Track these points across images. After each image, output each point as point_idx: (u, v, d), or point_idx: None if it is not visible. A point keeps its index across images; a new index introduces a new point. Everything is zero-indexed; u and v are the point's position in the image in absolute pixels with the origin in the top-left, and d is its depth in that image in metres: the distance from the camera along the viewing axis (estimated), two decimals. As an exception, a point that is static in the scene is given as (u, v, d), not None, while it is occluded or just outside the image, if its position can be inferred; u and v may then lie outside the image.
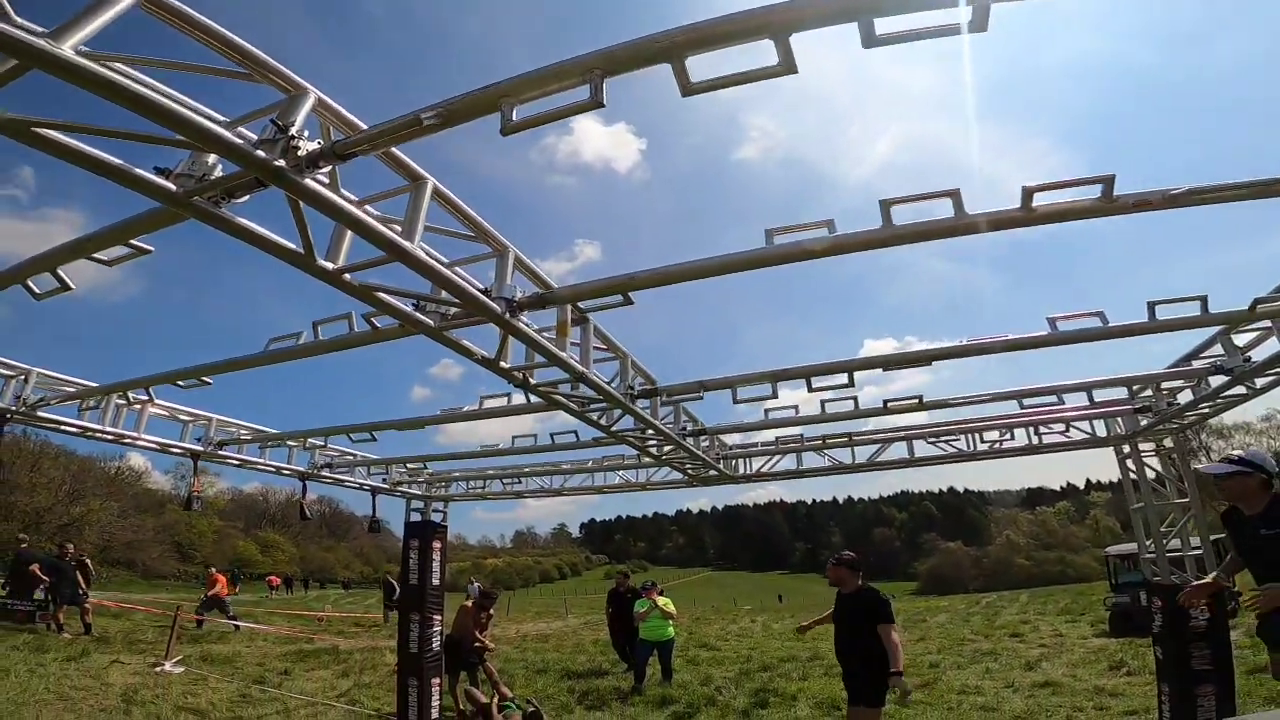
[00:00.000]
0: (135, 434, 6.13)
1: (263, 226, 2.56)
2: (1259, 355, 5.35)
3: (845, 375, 4.81)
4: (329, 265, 2.70)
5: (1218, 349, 5.73)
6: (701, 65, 1.88)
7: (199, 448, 6.58)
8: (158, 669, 9.79)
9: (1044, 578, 63.77)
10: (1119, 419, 7.56)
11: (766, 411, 5.97)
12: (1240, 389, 5.98)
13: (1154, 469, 7.59)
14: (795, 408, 5.87)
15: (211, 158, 2.27)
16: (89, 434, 5.94)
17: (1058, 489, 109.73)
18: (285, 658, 12.15)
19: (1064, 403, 6.46)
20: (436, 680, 8.00)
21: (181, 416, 6.59)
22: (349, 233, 2.83)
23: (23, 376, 5.37)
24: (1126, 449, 7.69)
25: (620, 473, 8.28)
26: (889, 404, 5.87)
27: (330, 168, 2.27)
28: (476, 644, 8.75)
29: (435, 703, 7.92)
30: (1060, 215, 3.03)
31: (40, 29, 1.75)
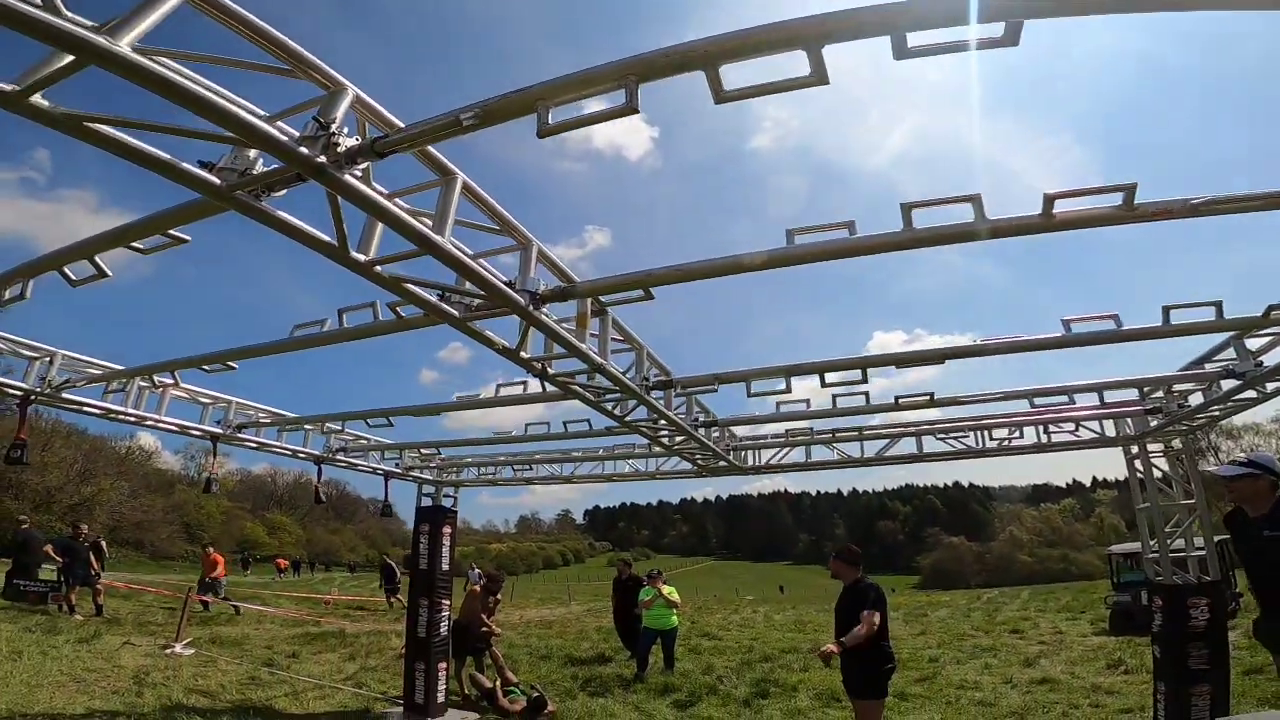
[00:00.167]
0: (157, 416, 6.22)
1: (292, 217, 2.63)
2: (1270, 360, 5.36)
3: (859, 371, 4.86)
4: (361, 257, 2.77)
5: (1229, 353, 5.73)
6: (734, 74, 1.93)
7: (218, 430, 6.68)
8: (168, 651, 10.03)
9: (1046, 575, 63.89)
10: (1128, 419, 7.57)
11: (778, 404, 6.02)
12: (1251, 393, 5.99)
13: (1161, 469, 7.61)
14: (807, 401, 5.92)
15: (253, 152, 2.33)
16: (112, 415, 6.03)
17: (1063, 486, 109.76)
18: (293, 640, 12.37)
19: (1075, 402, 6.49)
20: (443, 664, 8.16)
21: (202, 399, 6.69)
22: (379, 226, 2.90)
23: (48, 358, 5.47)
24: (1135, 449, 7.71)
25: (630, 462, 8.35)
26: (900, 400, 5.92)
27: (367, 164, 2.33)
28: (483, 629, 8.88)
29: (441, 687, 8.08)
30: (1080, 223, 3.06)
31: (91, 23, 1.81)
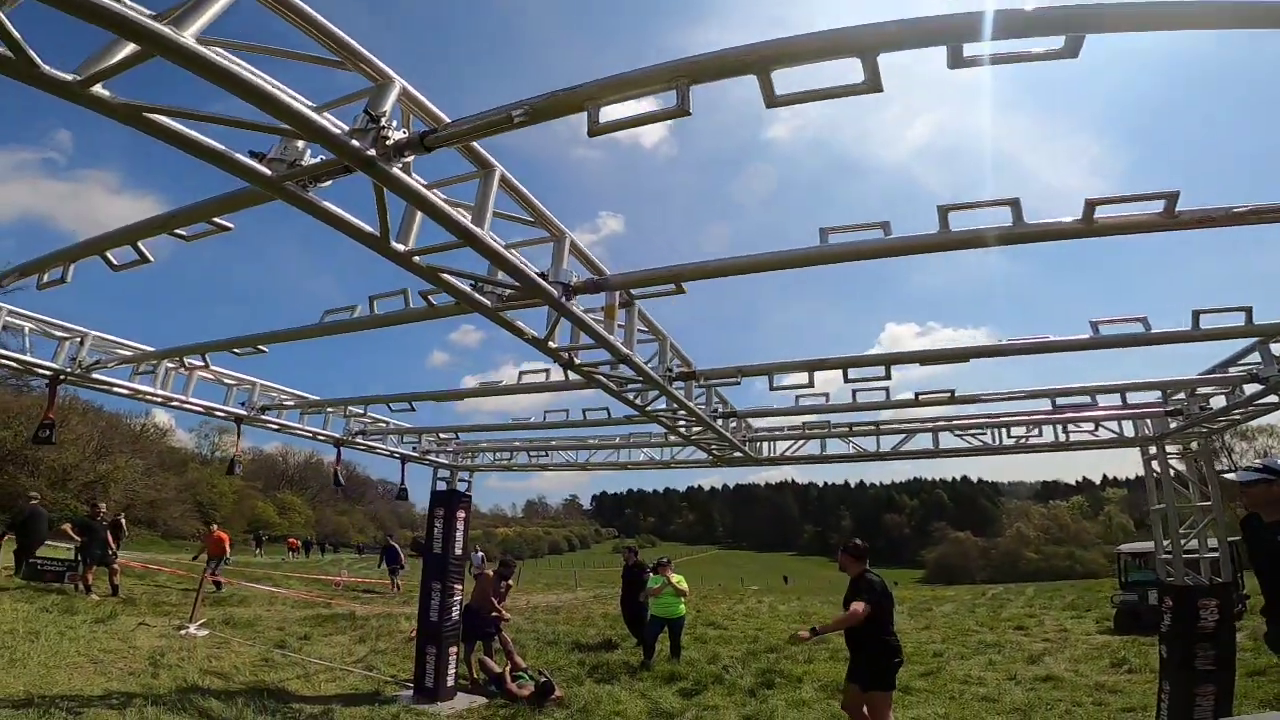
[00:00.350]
0: (183, 397, 6.32)
1: (336, 208, 2.67)
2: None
3: (882, 368, 4.87)
4: (400, 248, 2.81)
5: (1254, 357, 5.69)
6: (785, 78, 1.93)
7: (243, 412, 6.77)
8: (183, 632, 10.20)
9: (1051, 572, 63.65)
10: (1148, 421, 7.54)
11: (797, 397, 6.04)
12: (1273, 397, 5.95)
13: (1177, 470, 7.59)
14: (826, 395, 5.93)
15: (301, 143, 2.36)
16: (139, 396, 6.12)
17: (1073, 483, 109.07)
18: (304, 622, 12.54)
19: (1097, 403, 6.48)
20: (454, 649, 8.27)
21: (226, 381, 6.78)
22: (418, 217, 2.93)
23: (79, 339, 5.55)
24: (1153, 450, 7.68)
25: (645, 450, 8.41)
26: (921, 396, 5.92)
27: (412, 157, 2.36)
28: (494, 614, 8.98)
29: (451, 671, 8.19)
30: (1121, 228, 3.05)
31: (152, 13, 1.84)
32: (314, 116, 2.03)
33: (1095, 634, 12.86)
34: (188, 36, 1.77)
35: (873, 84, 1.85)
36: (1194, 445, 7.60)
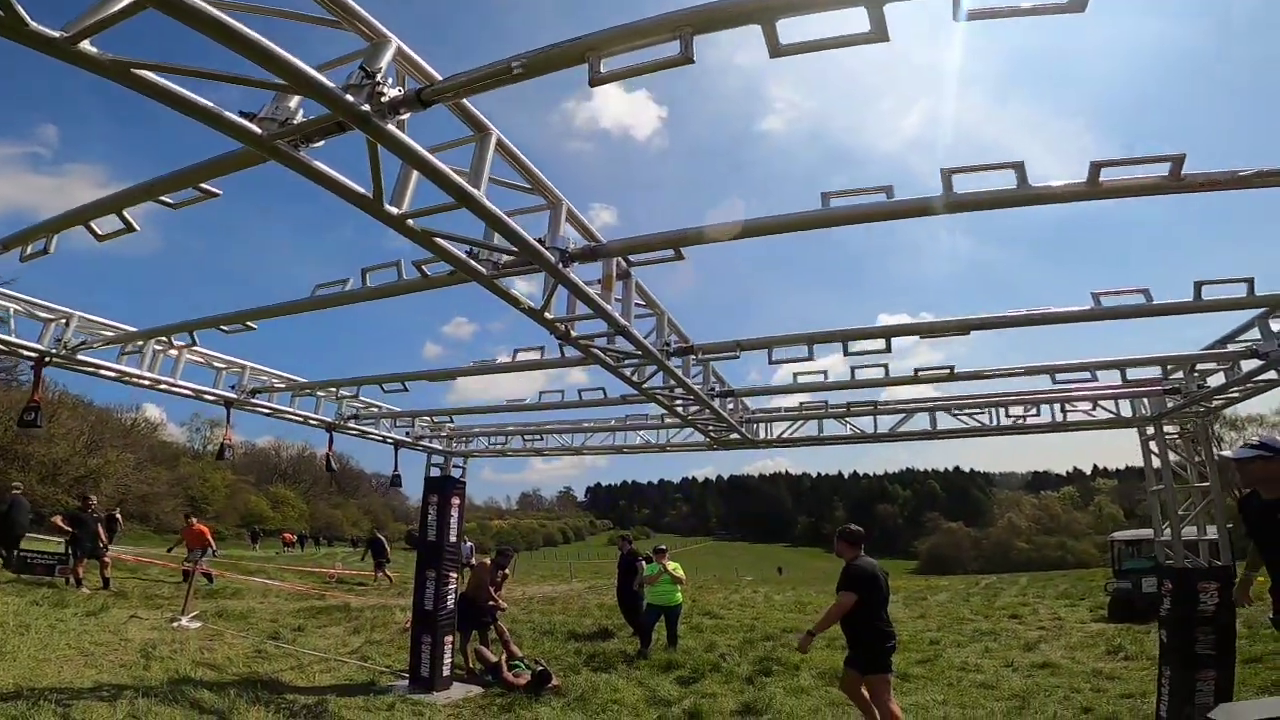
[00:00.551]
0: (171, 379, 6.20)
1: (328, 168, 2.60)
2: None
3: (883, 340, 4.83)
4: (394, 210, 2.74)
5: (1254, 333, 5.67)
6: (789, 29, 1.88)
7: (232, 395, 6.68)
8: (175, 624, 10.14)
9: (1042, 562, 64.24)
10: (1145, 401, 7.53)
11: (795, 375, 6.00)
12: (1273, 374, 5.93)
13: (1176, 452, 7.58)
14: (824, 372, 5.89)
15: (294, 102, 2.30)
16: (126, 379, 6.00)
17: (1064, 474, 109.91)
18: (298, 614, 12.51)
19: (1097, 378, 6.45)
20: (449, 638, 8.21)
21: (216, 364, 6.68)
22: (412, 180, 2.86)
23: (64, 320, 5.44)
24: (1150, 430, 7.67)
25: (641, 433, 8.35)
26: (920, 372, 5.88)
27: (407, 115, 2.29)
28: (490, 603, 8.94)
29: (447, 660, 8.14)
30: (1126, 191, 3.00)
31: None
32: (309, 70, 1.98)
33: (1090, 622, 12.95)
34: None
35: (879, 33, 1.80)
36: (1190, 426, 7.61)
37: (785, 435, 8.04)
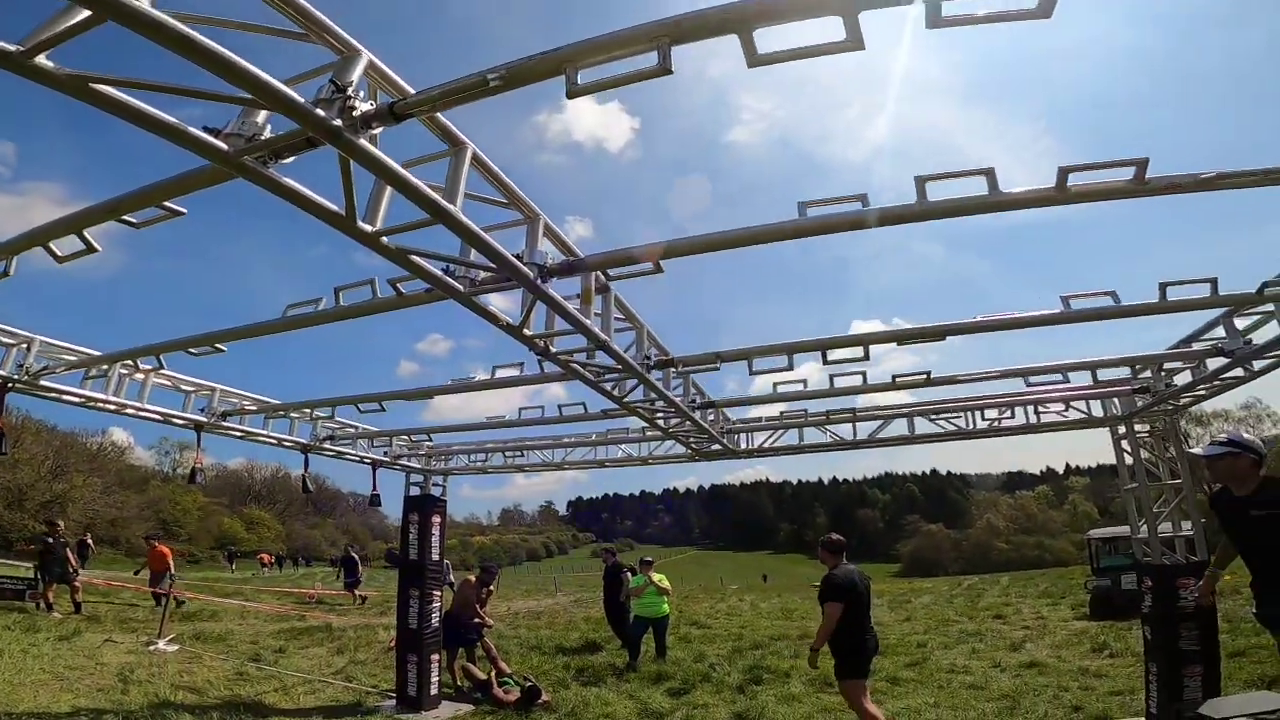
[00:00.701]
0: (138, 404, 6.06)
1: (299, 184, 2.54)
2: (1260, 338, 5.43)
3: (861, 348, 4.86)
4: (368, 228, 2.68)
5: (1218, 332, 5.81)
6: (766, 38, 1.88)
7: (202, 419, 6.52)
8: (151, 648, 9.89)
9: (1022, 561, 64.90)
10: (1115, 400, 7.67)
11: (775, 385, 6.01)
12: (1239, 371, 6.07)
13: (1148, 450, 7.72)
14: (804, 381, 5.92)
15: (261, 117, 2.25)
16: (91, 404, 5.86)
17: (1037, 473, 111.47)
18: (279, 635, 12.24)
19: (1069, 380, 6.56)
20: (436, 656, 8.09)
21: (184, 387, 6.53)
22: (385, 196, 2.81)
23: (25, 345, 5.28)
24: (1122, 429, 7.82)
25: (623, 447, 8.31)
26: (897, 379, 5.93)
27: (380, 129, 2.26)
28: (476, 620, 8.83)
29: (434, 679, 8.00)
30: (1093, 195, 3.07)
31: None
32: (276, 84, 1.92)
33: (1072, 620, 13.09)
34: (144, 2, 1.66)
35: (855, 41, 1.82)
36: (1159, 424, 7.76)
37: (766, 445, 8.06)
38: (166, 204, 2.92)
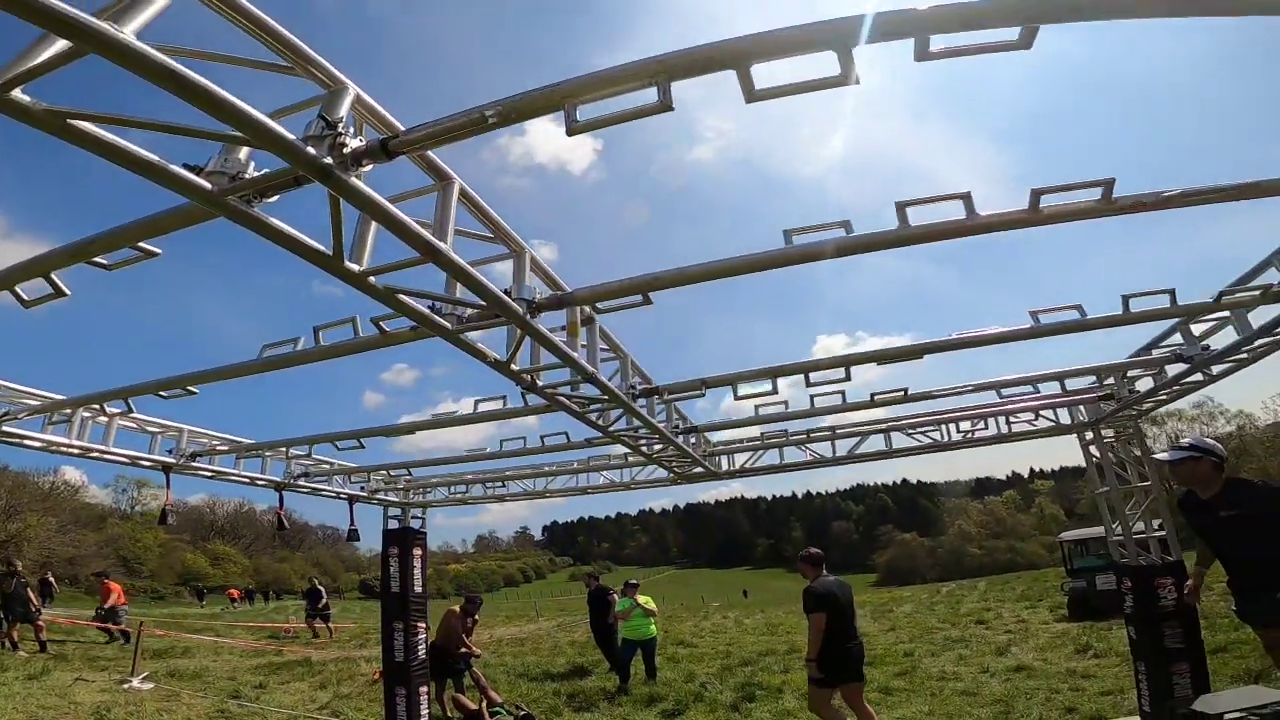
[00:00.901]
0: (103, 447, 5.84)
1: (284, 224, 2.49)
2: (1217, 343, 5.64)
3: (843, 369, 4.92)
4: (355, 267, 2.63)
5: (1175, 339, 6.01)
6: (761, 73, 1.91)
7: (170, 460, 6.31)
8: (126, 686, 9.59)
9: (995, 566, 65.88)
10: (1081, 408, 7.89)
11: (757, 408, 6.05)
12: (1198, 376, 6.30)
13: (1115, 454, 7.94)
14: (785, 403, 5.96)
15: (243, 154, 2.18)
16: (53, 448, 5.62)
17: (1004, 478, 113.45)
18: (257, 671, 11.88)
19: (1039, 391, 6.72)
20: (424, 688, 7.93)
21: (150, 428, 6.32)
22: (370, 235, 2.77)
23: (-19, 390, 5.08)
24: (1090, 435, 8.03)
25: (604, 474, 8.26)
26: (876, 396, 6.01)
27: (370, 167, 2.22)
28: (462, 650, 8.70)
29: (424, 711, 7.83)
30: (1064, 216, 3.16)
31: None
32: (267, 121, 1.85)
33: (1053, 622, 13.31)
34: (128, 33, 1.59)
35: (847, 76, 1.85)
36: (1125, 429, 8.00)
37: (747, 465, 8.08)
38: (141, 245, 2.83)
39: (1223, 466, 4.68)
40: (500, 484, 8.55)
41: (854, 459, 8.06)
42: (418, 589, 8.17)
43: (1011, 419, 7.81)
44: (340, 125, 2.04)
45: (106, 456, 6.00)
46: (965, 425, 7.91)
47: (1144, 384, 6.97)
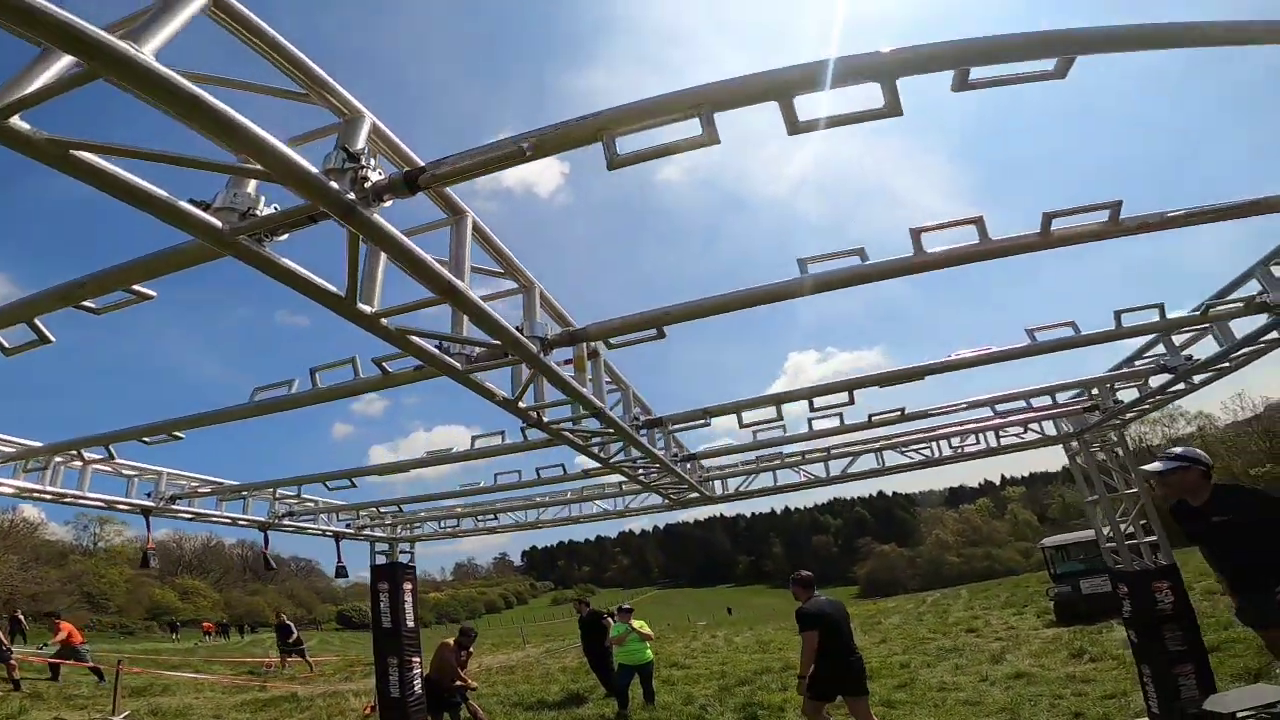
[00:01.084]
0: (78, 493, 5.60)
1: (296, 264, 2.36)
2: (1199, 353, 5.77)
3: (846, 394, 4.90)
4: (367, 309, 2.50)
5: (1158, 350, 6.13)
6: (804, 105, 1.88)
7: (150, 503, 6.05)
8: None
9: (974, 573, 66.47)
10: (1065, 420, 7.99)
11: (754, 433, 6.01)
12: (1181, 385, 6.42)
13: (1100, 461, 8.05)
14: (783, 426, 5.93)
15: (251, 188, 2.04)
16: (26, 495, 5.37)
17: (977, 486, 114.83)
18: (243, 708, 11.49)
19: (1030, 406, 6.79)
20: (423, 723, 7.74)
21: (126, 471, 6.06)
22: (379, 274, 2.65)
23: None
24: (1077, 445, 8.14)
25: (598, 503, 8.13)
26: (873, 417, 6.01)
27: (390, 202, 2.10)
28: (458, 683, 8.54)
29: (422, 746, 7.62)
30: (1074, 239, 3.18)
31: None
32: (289, 153, 1.71)
33: (1041, 628, 13.37)
34: (147, 54, 1.44)
35: (892, 108, 1.82)
36: (1113, 437, 8.13)
37: (742, 489, 8.03)
38: (135, 288, 2.68)
39: (1209, 474, 4.78)
40: (492, 516, 8.37)
41: (848, 478, 8.05)
42: (409, 623, 8.00)
43: (1001, 432, 7.89)
44: (363, 157, 1.94)
45: (81, 502, 5.77)
46: (956, 441, 7.97)
47: (1126, 394, 7.10)
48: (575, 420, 4.33)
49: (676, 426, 5.11)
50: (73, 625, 15.29)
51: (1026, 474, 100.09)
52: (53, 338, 2.97)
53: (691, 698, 10.22)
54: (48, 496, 5.44)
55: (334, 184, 1.85)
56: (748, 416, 5.03)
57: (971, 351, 5.08)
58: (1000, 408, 6.73)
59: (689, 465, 6.84)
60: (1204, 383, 6.44)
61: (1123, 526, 7.58)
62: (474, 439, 5.12)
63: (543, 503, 8.09)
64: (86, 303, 2.76)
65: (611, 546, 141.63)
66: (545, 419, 4.04)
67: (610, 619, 10.93)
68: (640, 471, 6.08)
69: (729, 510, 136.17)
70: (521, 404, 3.66)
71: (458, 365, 3.06)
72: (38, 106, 1.59)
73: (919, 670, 10.63)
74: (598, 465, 5.43)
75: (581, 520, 8.50)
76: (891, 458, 8.06)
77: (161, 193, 1.93)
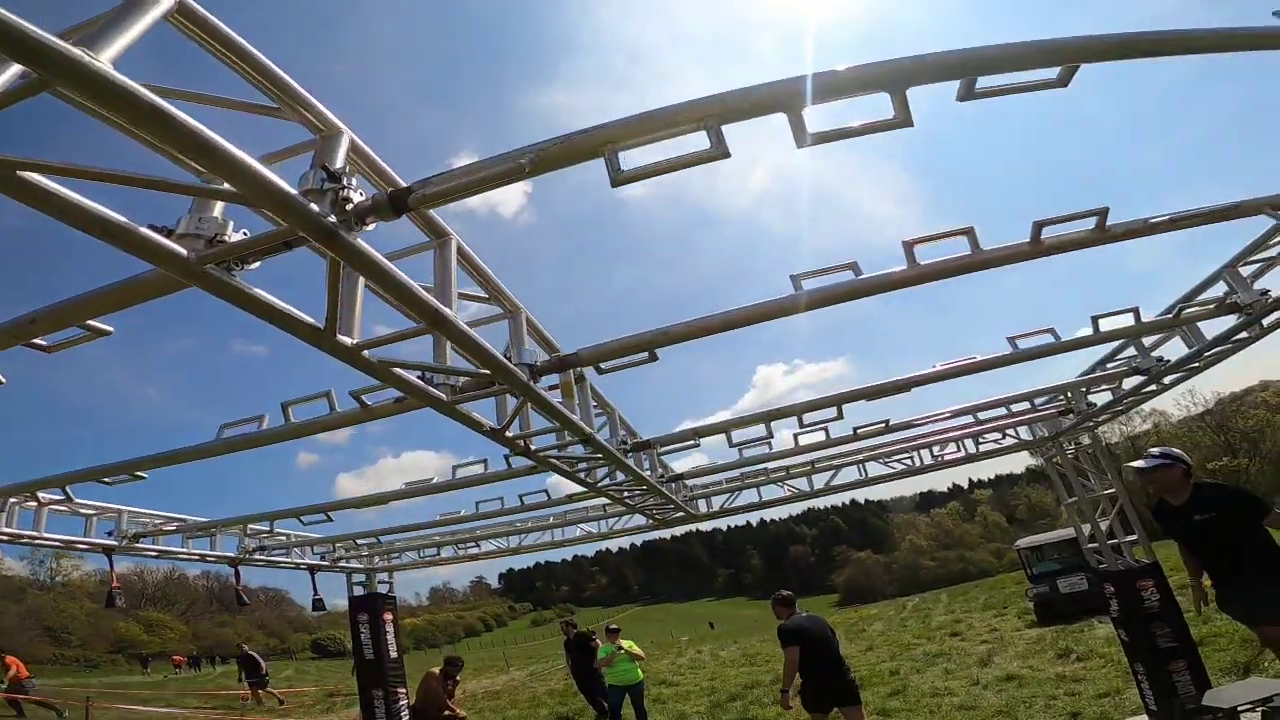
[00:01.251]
0: (34, 533, 5.32)
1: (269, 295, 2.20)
2: (1169, 354, 5.86)
3: (835, 408, 4.86)
4: (348, 341, 2.33)
5: (1129, 353, 6.21)
6: (814, 117, 1.81)
7: (113, 542, 5.75)
8: None
9: (950, 576, 67.17)
10: (1041, 424, 8.09)
11: (740, 450, 5.94)
12: (1153, 386, 6.53)
13: (1076, 464, 8.15)
14: (769, 443, 5.88)
15: (217, 211, 1.87)
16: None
17: (946, 490, 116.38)
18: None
19: (1010, 412, 6.84)
20: (411, 754, 7.49)
21: (84, 510, 5.75)
22: (358, 303, 2.48)
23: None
24: (1053, 449, 8.23)
25: (582, 526, 7.97)
26: (858, 430, 5.99)
27: (373, 225, 1.96)
28: (446, 713, 8.31)
29: (413, 776, 7.38)
30: (1063, 247, 3.18)
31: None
32: (265, 172, 1.56)
33: (1024, 629, 13.46)
34: (104, 63, 1.29)
35: (903, 118, 1.77)
36: (1086, 439, 8.24)
37: (726, 506, 7.94)
38: (90, 323, 2.49)
39: (1190, 473, 4.88)
40: (474, 544, 8.14)
41: (832, 490, 8.04)
42: (393, 654, 7.76)
43: (980, 439, 7.95)
44: (343, 177, 1.80)
45: (38, 541, 5.48)
46: (936, 449, 8.00)
47: (1101, 397, 7.20)
48: (561, 447, 4.20)
49: (665, 450, 5.01)
50: (18, 660, 15.46)
51: (993, 476, 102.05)
52: (3, 379, 2.76)
53: (684, 715, 10.07)
54: (4, 538, 5.16)
55: (314, 206, 1.71)
56: (737, 436, 4.94)
57: (955, 362, 5.10)
58: (981, 415, 6.77)
59: (674, 485, 6.75)
60: (1174, 383, 6.55)
61: (1102, 526, 7.68)
62: (454, 468, 4.96)
63: (525, 528, 7.90)
64: (38, 340, 2.56)
65: (589, 565, 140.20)
66: (533, 447, 3.90)
67: (598, 640, 10.73)
68: (626, 493, 5.96)
69: (705, 524, 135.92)
70: (510, 434, 3.52)
71: (443, 396, 2.91)
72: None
73: (909, 677, 10.61)
74: (582, 490, 5.30)
75: (565, 544, 8.32)
76: (874, 468, 8.05)
77: (121, 218, 1.75)
